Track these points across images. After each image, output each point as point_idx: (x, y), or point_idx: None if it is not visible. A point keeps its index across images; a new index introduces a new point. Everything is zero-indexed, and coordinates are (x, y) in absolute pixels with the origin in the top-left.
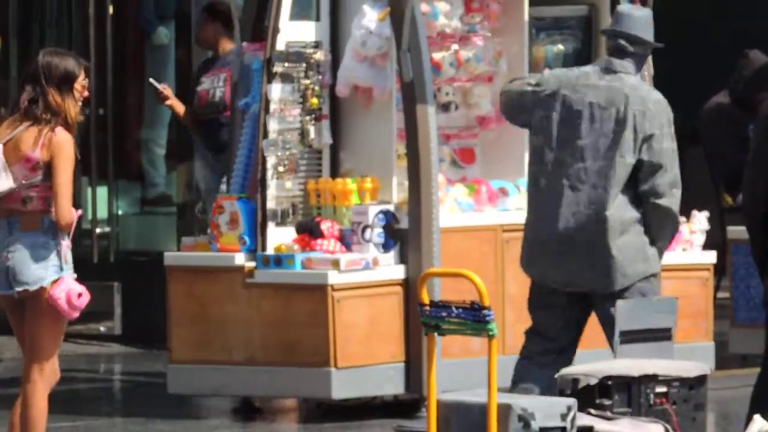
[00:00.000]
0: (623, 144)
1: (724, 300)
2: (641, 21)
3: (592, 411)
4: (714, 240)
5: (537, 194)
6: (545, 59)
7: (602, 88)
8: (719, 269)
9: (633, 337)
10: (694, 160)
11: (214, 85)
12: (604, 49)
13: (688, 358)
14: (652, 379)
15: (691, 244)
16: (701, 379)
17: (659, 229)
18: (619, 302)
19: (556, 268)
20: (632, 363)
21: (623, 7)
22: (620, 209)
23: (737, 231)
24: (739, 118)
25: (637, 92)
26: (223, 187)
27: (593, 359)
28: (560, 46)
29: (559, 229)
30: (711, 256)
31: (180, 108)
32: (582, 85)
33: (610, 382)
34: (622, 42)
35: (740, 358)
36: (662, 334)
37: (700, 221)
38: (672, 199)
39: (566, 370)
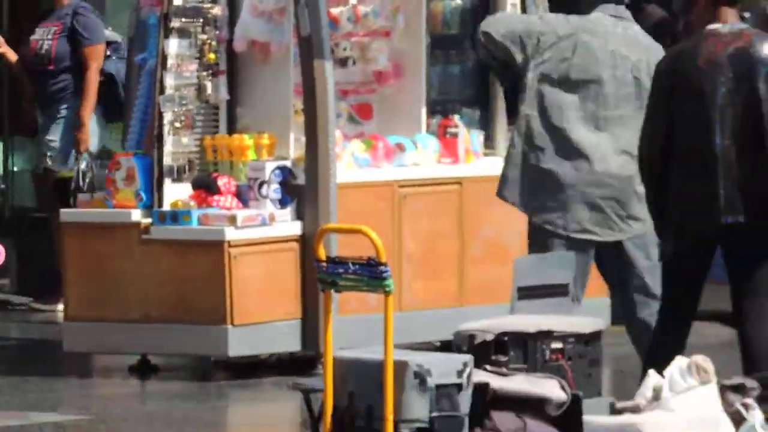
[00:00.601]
0: (645, 93)
1: None
2: None
3: (488, 367)
4: None
5: (560, 137)
6: (443, 14)
7: (619, 36)
8: None
9: (530, 293)
10: None
11: (44, 37)
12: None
13: (584, 313)
14: (548, 335)
15: None
16: (596, 335)
17: None
18: (517, 259)
19: (592, 214)
20: (528, 319)
21: None
22: None
23: None
24: None
25: (649, 42)
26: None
27: (490, 315)
28: (458, 1)
29: (601, 172)
30: None
31: (12, 56)
32: (600, 31)
33: (506, 339)
34: None
35: None
36: (559, 290)
37: None
38: None
39: (463, 326)
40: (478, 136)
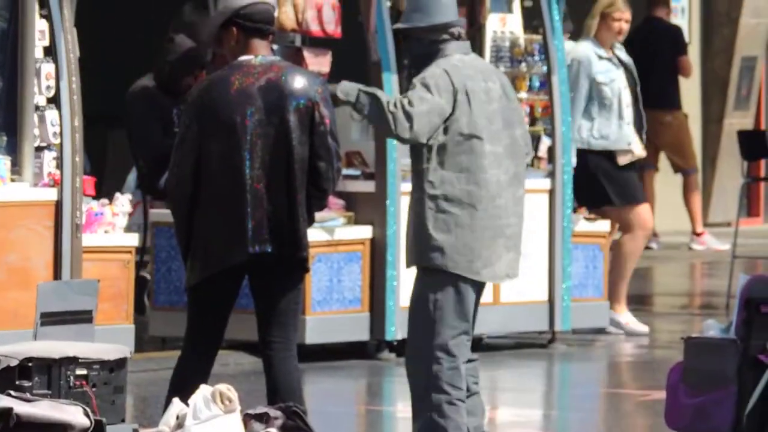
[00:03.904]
0: (514, 115)
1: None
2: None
3: (12, 393)
4: (136, 223)
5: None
6: None
7: (482, 70)
8: (141, 251)
9: (54, 318)
10: (117, 142)
11: None
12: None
13: (109, 340)
14: (73, 361)
15: (114, 226)
16: (121, 362)
17: None
18: (40, 284)
19: (508, 255)
20: (53, 345)
21: None
22: None
23: (160, 214)
24: (164, 102)
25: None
26: None
27: (14, 340)
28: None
29: (508, 215)
30: (133, 239)
31: None
32: (472, 71)
33: (30, 364)
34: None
35: (160, 341)
36: (83, 317)
37: (122, 204)
38: None
39: None
40: (5, 162)
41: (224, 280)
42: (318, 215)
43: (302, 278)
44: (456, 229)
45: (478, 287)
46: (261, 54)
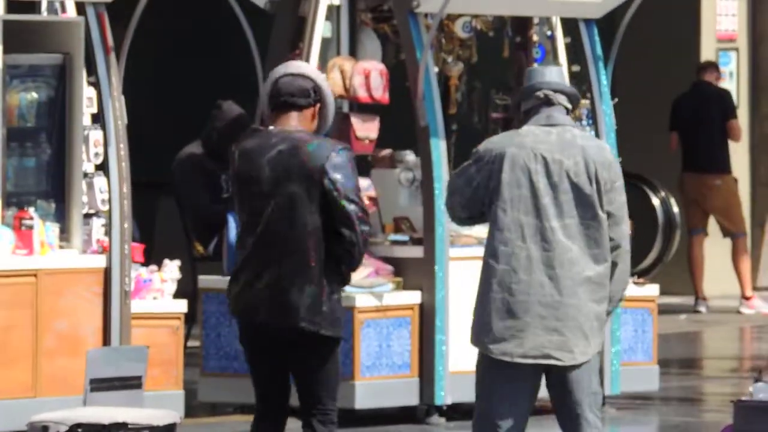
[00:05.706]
0: (594, 198)
1: (195, 348)
2: (561, 73)
3: None
4: (185, 289)
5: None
6: (19, 107)
7: (554, 142)
8: (190, 318)
9: (103, 385)
10: (166, 209)
11: None
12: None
13: (159, 406)
14: (122, 427)
15: (162, 292)
16: (171, 428)
17: (618, 282)
18: (89, 350)
19: (540, 336)
20: (103, 411)
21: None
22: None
23: (208, 280)
24: (211, 169)
25: (590, 142)
26: None
27: (64, 406)
28: (34, 94)
29: (543, 294)
30: (182, 305)
31: None
32: (530, 140)
33: (80, 430)
34: (558, 95)
35: (209, 407)
36: (132, 383)
37: (171, 270)
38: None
39: (37, 417)
40: (54, 229)
41: (263, 352)
42: (367, 281)
43: (332, 350)
44: (476, 300)
45: (511, 368)
46: (291, 124)
